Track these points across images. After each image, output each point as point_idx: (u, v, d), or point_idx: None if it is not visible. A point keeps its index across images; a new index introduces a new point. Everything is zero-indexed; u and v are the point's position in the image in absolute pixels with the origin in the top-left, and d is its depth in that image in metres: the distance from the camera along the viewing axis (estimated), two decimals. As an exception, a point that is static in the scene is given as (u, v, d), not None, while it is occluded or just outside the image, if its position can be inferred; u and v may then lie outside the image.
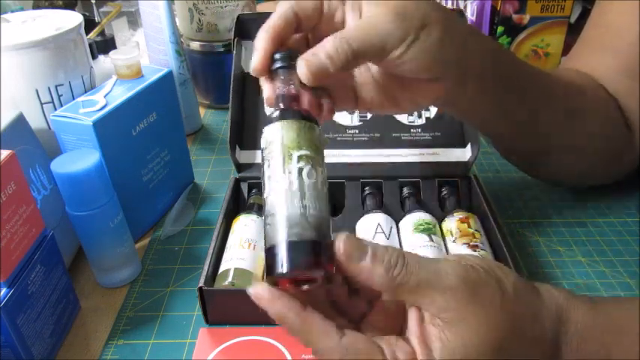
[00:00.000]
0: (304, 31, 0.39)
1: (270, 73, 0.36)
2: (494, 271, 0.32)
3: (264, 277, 0.32)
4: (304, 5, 0.37)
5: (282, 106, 0.34)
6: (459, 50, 0.39)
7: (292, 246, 0.29)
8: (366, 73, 0.41)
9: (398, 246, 0.51)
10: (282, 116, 0.32)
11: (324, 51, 0.35)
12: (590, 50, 0.59)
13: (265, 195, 0.31)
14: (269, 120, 0.33)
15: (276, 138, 0.32)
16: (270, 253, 0.30)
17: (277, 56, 0.36)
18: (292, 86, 0.35)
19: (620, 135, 0.56)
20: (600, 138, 0.55)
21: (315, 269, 0.29)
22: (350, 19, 0.38)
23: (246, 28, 0.64)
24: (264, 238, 0.31)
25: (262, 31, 0.36)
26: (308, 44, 0.40)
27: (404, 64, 0.37)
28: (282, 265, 0.29)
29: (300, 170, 0.30)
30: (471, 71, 0.41)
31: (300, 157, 0.31)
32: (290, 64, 0.35)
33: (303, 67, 0.34)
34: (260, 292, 0.29)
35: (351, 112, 0.62)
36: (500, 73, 0.45)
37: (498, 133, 0.53)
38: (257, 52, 0.36)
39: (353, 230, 0.54)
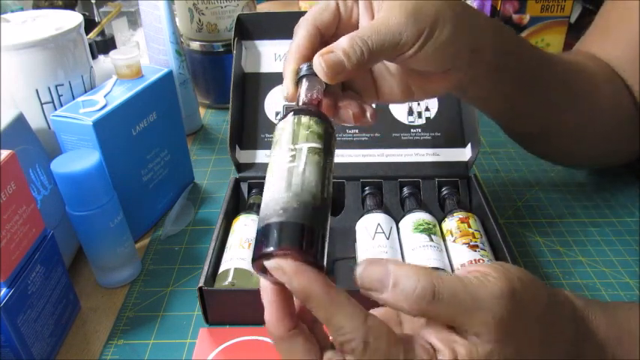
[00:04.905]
0: (326, 39, 0.39)
1: (296, 85, 0.37)
2: (536, 287, 0.30)
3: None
4: (324, 17, 0.38)
5: (299, 105, 0.35)
6: (471, 45, 0.40)
7: (268, 227, 0.29)
8: (382, 67, 0.42)
9: (398, 246, 0.51)
10: (295, 112, 0.33)
11: (340, 48, 0.35)
12: (602, 35, 0.59)
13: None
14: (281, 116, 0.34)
15: (274, 134, 0.33)
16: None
17: (300, 68, 0.37)
18: (315, 92, 0.36)
19: (628, 117, 0.56)
20: (607, 120, 0.55)
21: (281, 249, 0.27)
22: (363, 20, 0.39)
23: (246, 28, 0.64)
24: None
25: (289, 57, 0.37)
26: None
27: (416, 60, 0.38)
28: (260, 245, 0.28)
29: (284, 157, 0.31)
30: (483, 63, 0.42)
31: (289, 149, 0.31)
32: (312, 73, 0.36)
33: (322, 63, 0.35)
34: (283, 263, 0.27)
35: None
36: (514, 65, 0.46)
37: (508, 118, 0.53)
38: (286, 79, 0.37)
39: (353, 230, 0.54)
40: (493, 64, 0.43)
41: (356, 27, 0.40)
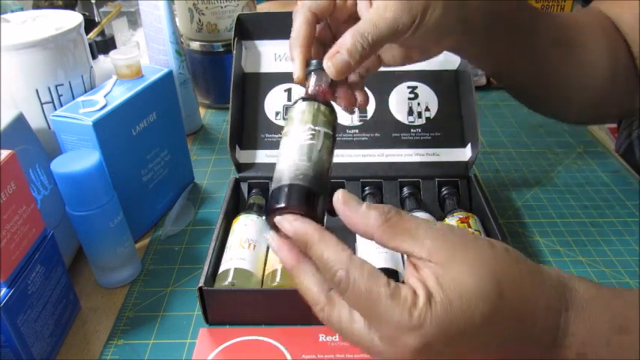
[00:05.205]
0: (323, 21, 0.44)
1: (306, 76, 0.43)
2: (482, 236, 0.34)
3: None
4: (319, 2, 0.42)
5: (309, 93, 0.41)
6: (461, 15, 0.43)
7: (286, 188, 0.34)
8: None
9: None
10: (305, 99, 0.39)
11: (345, 48, 0.40)
12: None
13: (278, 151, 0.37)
14: (295, 101, 0.40)
15: (293, 113, 0.39)
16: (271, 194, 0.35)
17: (310, 62, 0.42)
18: (323, 84, 0.42)
19: (622, 74, 0.56)
20: (601, 73, 0.55)
21: (300, 208, 0.33)
22: (362, 9, 0.43)
23: (246, 28, 0.64)
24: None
25: (293, 42, 0.42)
26: (330, 30, 0.46)
27: (411, 40, 0.42)
28: (276, 201, 0.34)
29: (302, 136, 0.37)
30: (474, 27, 0.45)
31: (309, 129, 0.37)
32: (320, 67, 0.41)
33: (331, 67, 0.40)
34: (287, 215, 0.33)
35: (352, 113, 0.62)
36: (505, 24, 0.48)
37: (504, 72, 0.54)
38: (296, 64, 0.42)
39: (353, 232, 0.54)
40: (486, 23, 0.46)
41: (352, 8, 0.43)
